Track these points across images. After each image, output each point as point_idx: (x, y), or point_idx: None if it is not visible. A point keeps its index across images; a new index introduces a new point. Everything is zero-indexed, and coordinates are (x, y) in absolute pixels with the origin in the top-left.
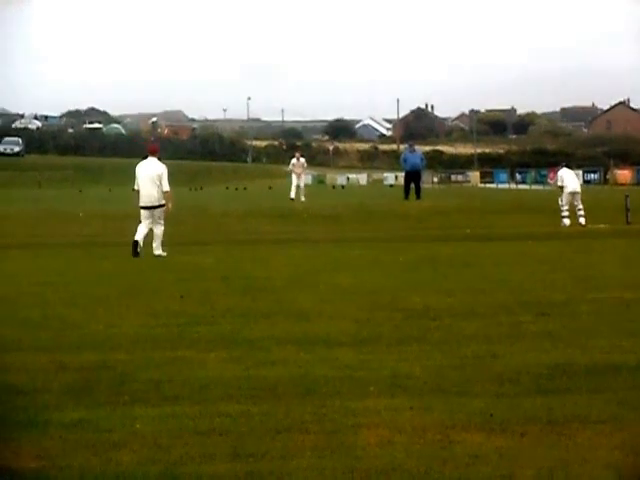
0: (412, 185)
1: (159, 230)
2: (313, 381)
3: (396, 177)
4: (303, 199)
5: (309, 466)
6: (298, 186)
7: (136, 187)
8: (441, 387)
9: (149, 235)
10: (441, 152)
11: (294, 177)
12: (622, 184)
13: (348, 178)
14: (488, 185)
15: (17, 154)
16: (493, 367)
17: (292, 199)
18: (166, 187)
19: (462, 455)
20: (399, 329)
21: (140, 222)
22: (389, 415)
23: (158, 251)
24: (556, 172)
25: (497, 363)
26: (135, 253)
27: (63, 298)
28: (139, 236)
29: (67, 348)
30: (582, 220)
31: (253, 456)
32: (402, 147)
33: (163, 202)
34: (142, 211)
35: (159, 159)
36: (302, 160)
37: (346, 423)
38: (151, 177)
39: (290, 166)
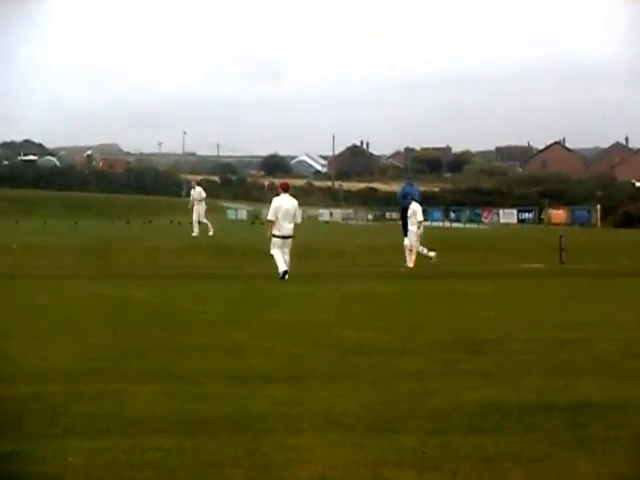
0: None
1: (287, 256)
2: (246, 416)
3: (331, 214)
4: (211, 233)
5: None
6: (199, 222)
7: (271, 217)
8: (374, 424)
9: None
10: (375, 190)
11: (195, 210)
12: (556, 224)
13: None
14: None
15: None
16: (426, 404)
17: (195, 236)
18: (299, 219)
19: None
20: (333, 365)
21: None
22: (322, 451)
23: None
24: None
25: (430, 400)
26: (283, 277)
27: None
28: (282, 264)
29: None
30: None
31: None
32: (337, 184)
33: (294, 233)
34: (276, 240)
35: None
36: (199, 189)
37: (278, 459)
38: (290, 211)
39: (191, 198)
